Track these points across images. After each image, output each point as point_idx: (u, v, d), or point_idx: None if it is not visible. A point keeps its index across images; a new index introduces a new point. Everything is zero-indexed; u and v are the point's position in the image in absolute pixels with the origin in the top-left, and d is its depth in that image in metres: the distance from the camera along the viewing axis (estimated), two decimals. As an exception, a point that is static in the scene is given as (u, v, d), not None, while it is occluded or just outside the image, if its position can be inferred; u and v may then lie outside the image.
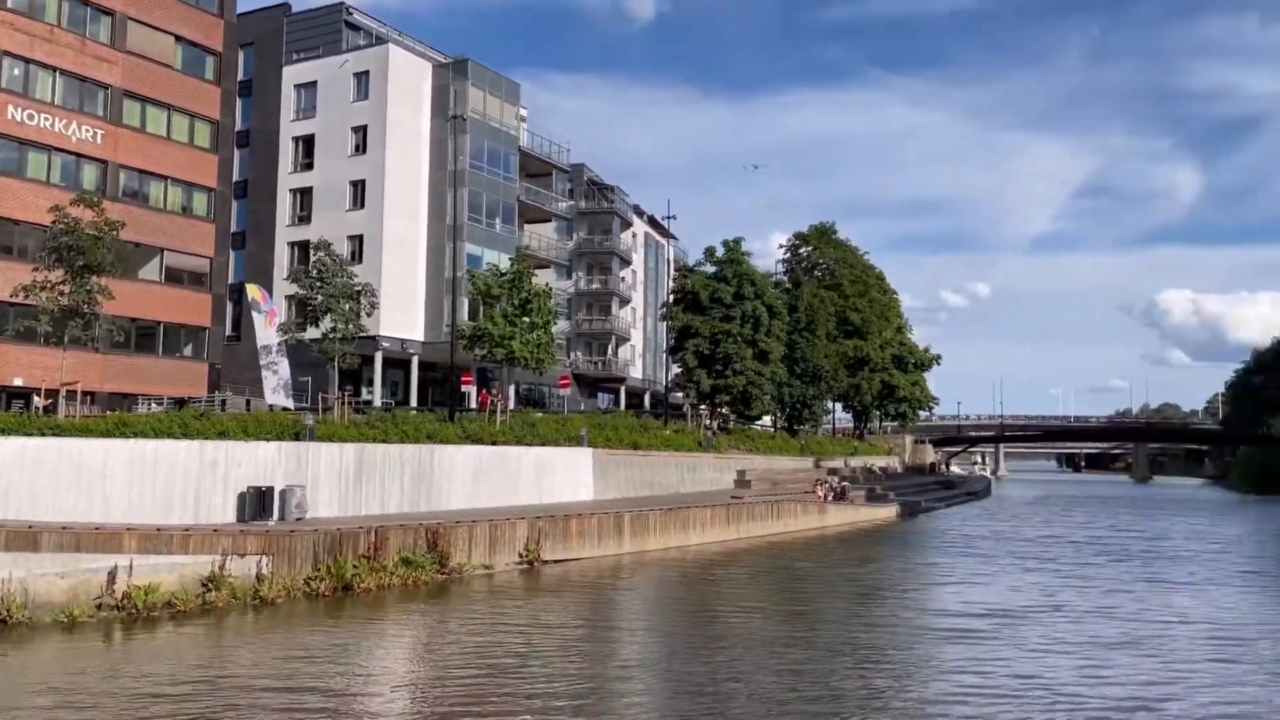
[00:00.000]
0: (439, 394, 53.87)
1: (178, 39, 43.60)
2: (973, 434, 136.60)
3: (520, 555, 27.90)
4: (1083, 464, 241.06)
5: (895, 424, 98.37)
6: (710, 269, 58.62)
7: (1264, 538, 47.05)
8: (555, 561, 28.59)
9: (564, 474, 36.97)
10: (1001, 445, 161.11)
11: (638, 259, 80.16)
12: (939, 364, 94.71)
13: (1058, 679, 15.68)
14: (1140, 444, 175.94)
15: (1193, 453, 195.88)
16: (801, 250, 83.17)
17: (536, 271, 50.41)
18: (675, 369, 59.60)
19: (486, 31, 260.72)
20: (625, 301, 76.18)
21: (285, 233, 54.48)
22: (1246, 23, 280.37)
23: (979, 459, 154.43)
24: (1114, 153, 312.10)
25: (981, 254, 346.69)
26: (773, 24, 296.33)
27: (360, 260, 49.48)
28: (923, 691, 15.09)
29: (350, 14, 57.51)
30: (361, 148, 52.77)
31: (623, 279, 75.77)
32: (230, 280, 48.16)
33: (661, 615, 23.02)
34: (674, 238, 76.81)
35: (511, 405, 47.48)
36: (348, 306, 38.18)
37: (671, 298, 59.27)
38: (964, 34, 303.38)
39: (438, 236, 53.03)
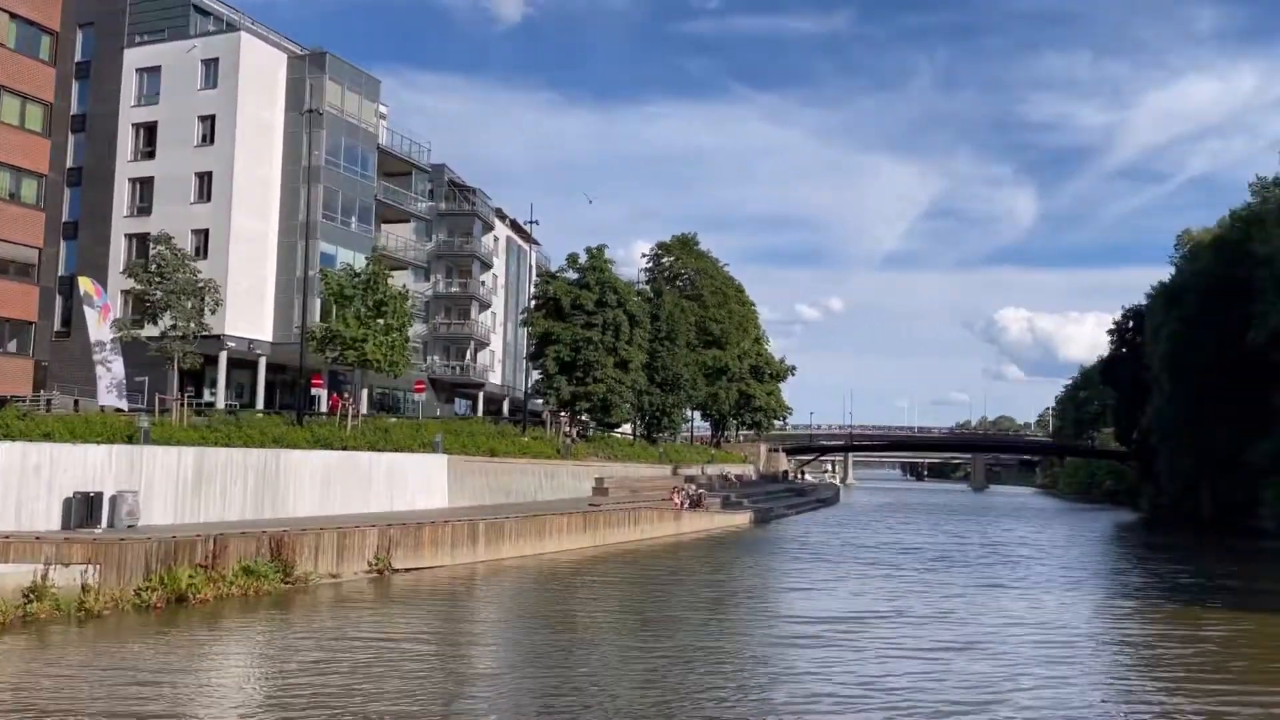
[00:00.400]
0: (288, 397, 51.84)
1: (11, 15, 40.59)
2: (824, 443, 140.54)
3: (370, 564, 27.08)
4: (925, 473, 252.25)
5: (751, 433, 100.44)
6: (573, 275, 58.53)
7: (1085, 544, 50.17)
8: (407, 570, 27.88)
9: (418, 481, 36.14)
10: (850, 454, 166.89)
11: (499, 263, 79.34)
12: (793, 375, 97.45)
13: (898, 683, 16.16)
14: (978, 454, 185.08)
15: (1026, 463, 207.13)
16: (664, 260, 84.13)
17: (394, 273, 49.14)
18: (535, 375, 59.21)
19: (345, 25, 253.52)
20: (485, 306, 75.25)
21: (123, 224, 51.42)
22: (1079, 59, 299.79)
23: (829, 467, 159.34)
24: (959, 177, 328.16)
25: (835, 269, 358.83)
26: (637, 33, 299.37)
27: (205, 256, 47.11)
28: (771, 696, 15.32)
29: (200, -2, 54.93)
30: (209, 138, 50.33)
31: (483, 283, 74.81)
32: (61, 273, 45.15)
33: (516, 624, 22.73)
34: (537, 243, 76.37)
35: (364, 410, 46.12)
36: (189, 304, 36.42)
37: (533, 303, 58.85)
38: (821, 55, 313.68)
39: (289, 234, 51.08)
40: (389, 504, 33.85)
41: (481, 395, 73.76)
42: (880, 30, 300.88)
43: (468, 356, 72.76)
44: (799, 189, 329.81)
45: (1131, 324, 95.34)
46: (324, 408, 46.33)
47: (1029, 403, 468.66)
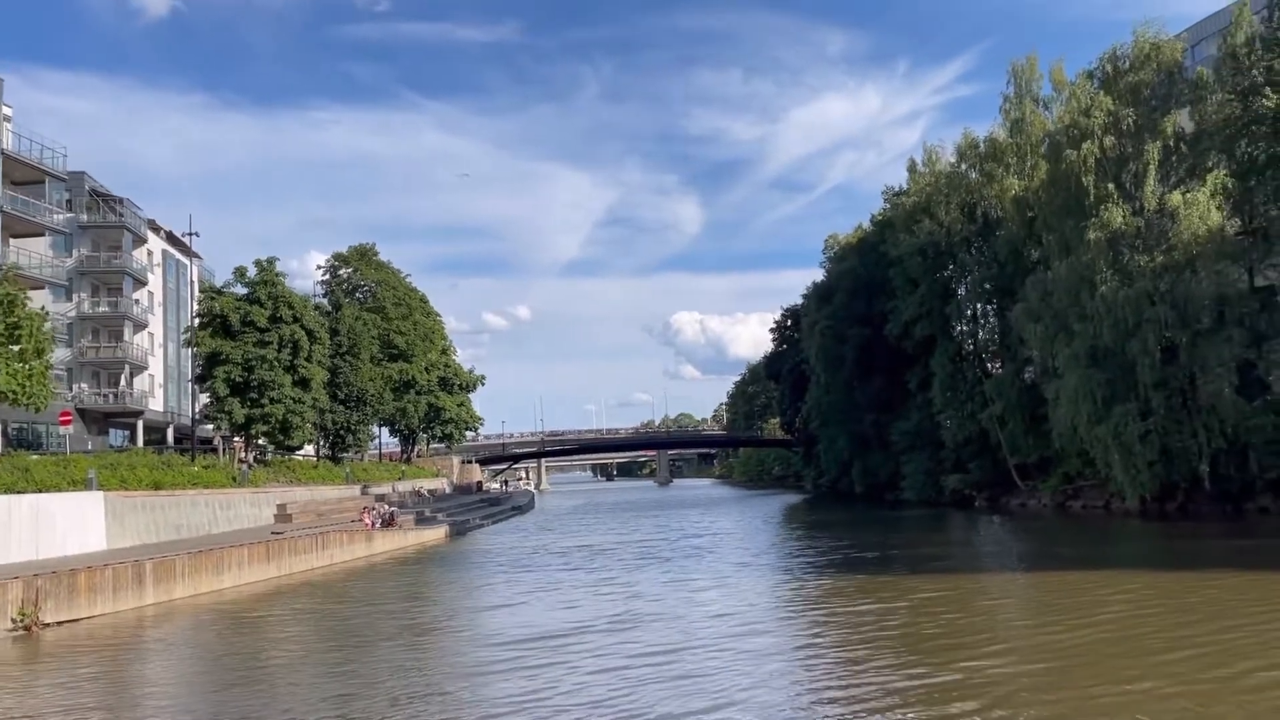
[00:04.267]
0: (-104, 440, 44.54)
1: None
2: (517, 451, 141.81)
3: (14, 620, 23.79)
4: (615, 472, 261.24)
5: (443, 446, 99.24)
6: (242, 290, 54.82)
7: (762, 527, 54.04)
8: (61, 623, 24.77)
9: (69, 523, 32.25)
10: (543, 460, 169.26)
11: (155, 279, 72.75)
12: (484, 385, 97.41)
13: (611, 697, 15.39)
14: (662, 451, 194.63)
15: (704, 455, 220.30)
16: (342, 272, 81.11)
17: (33, 294, 43.60)
18: (204, 399, 54.83)
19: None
20: (141, 326, 68.72)
21: None
22: (731, 77, 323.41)
23: (524, 474, 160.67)
24: (631, 186, 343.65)
25: (520, 278, 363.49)
26: (297, 34, 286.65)
27: None
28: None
29: None
30: None
31: (137, 301, 68.29)
32: None
33: (186, 670, 20.69)
34: (198, 256, 70.80)
35: (-2, 448, 40.56)
36: None
37: (197, 321, 54.41)
38: (492, 64, 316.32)
39: (-110, 250, 43.96)
40: (34, 552, 29.95)
41: (141, 424, 67.26)
42: (548, 41, 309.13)
43: (122, 382, 66.06)
44: (478, 198, 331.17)
45: (790, 322, 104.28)
46: (-56, 449, 40.23)
47: (705, 399, 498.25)
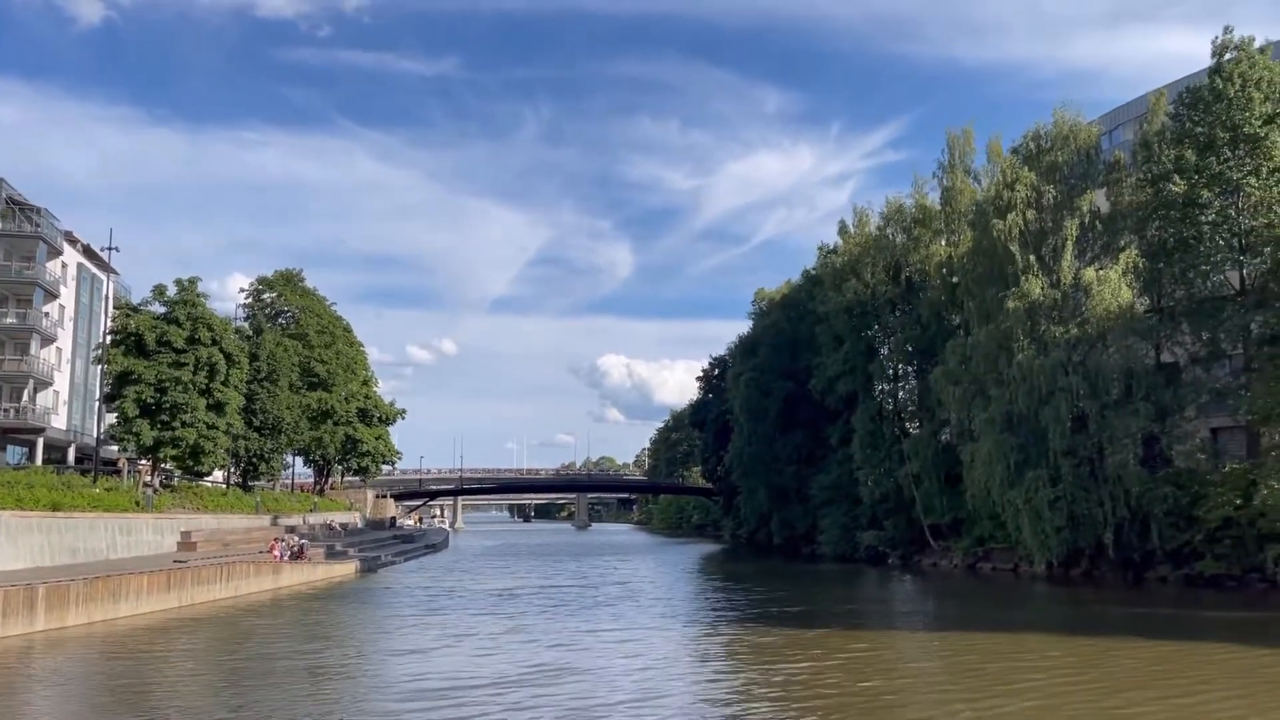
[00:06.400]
0: None
1: None
2: (434, 487, 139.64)
3: (-114, 646, 22.48)
4: (533, 513, 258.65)
5: (357, 478, 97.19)
6: (160, 309, 53.34)
7: (681, 578, 53.84)
8: (-62, 650, 23.48)
9: (-44, 542, 30.74)
10: (460, 498, 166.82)
11: (68, 293, 70.43)
12: (404, 418, 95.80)
13: None
14: (582, 494, 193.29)
15: (624, 500, 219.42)
16: (265, 296, 79.45)
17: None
18: (111, 419, 52.95)
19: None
20: (49, 340, 66.33)
21: None
22: (670, 127, 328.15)
23: (439, 512, 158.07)
24: (565, 228, 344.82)
25: (446, 311, 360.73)
26: (235, 55, 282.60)
27: None
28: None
29: None
30: None
31: (47, 314, 65.98)
32: None
33: (70, 706, 19.61)
34: (115, 272, 68.73)
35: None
36: None
37: (109, 338, 52.68)
38: (431, 97, 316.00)
39: None
40: (-85, 572, 28.45)
41: (41, 441, 64.68)
42: (489, 78, 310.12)
43: (25, 397, 63.54)
44: (408, 228, 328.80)
45: (717, 371, 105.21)
46: None
47: (629, 444, 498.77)
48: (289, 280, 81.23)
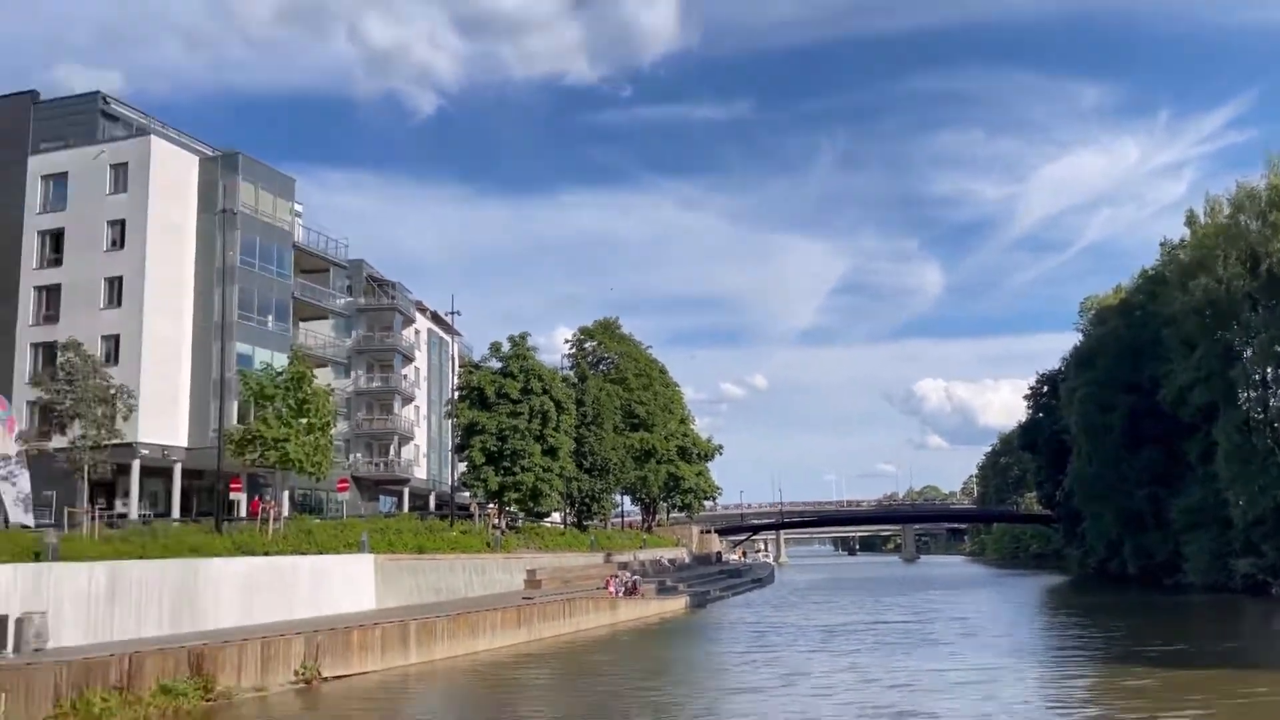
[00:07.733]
0: (205, 504, 49.91)
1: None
2: (755, 522, 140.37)
3: (297, 673, 25.82)
4: (857, 546, 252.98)
5: (682, 515, 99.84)
6: (496, 364, 58.11)
7: (1015, 612, 50.30)
8: (336, 678, 26.65)
9: (344, 583, 34.88)
10: (782, 531, 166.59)
11: (421, 356, 78.48)
12: (721, 454, 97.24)
13: None
14: (907, 525, 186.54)
15: (954, 531, 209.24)
16: (586, 345, 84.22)
17: (317, 371, 48.09)
18: (462, 467, 58.14)
19: (249, 125, 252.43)
20: (408, 400, 74.11)
21: (28, 333, 49.59)
22: (974, 137, 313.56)
23: (762, 546, 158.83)
24: (867, 253, 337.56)
25: (755, 347, 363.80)
26: (546, 124, 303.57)
27: (116, 362, 45.61)
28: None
29: (108, 103, 54.08)
30: (119, 243, 49.15)
31: (405, 376, 73.81)
32: (-41, 385, 43.24)
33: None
34: (458, 334, 75.83)
35: (286, 512, 44.62)
36: (100, 411, 35.08)
37: (457, 394, 58.11)
38: (727, 141, 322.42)
39: (204, 335, 49.79)
40: (315, 609, 32.52)
41: (406, 491, 72.15)
42: (781, 115, 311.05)
43: (391, 452, 71.24)
44: (714, 270, 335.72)
45: (1046, 389, 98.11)
46: (244, 512, 44.70)
47: (953, 471, 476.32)
48: (607, 328, 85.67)
